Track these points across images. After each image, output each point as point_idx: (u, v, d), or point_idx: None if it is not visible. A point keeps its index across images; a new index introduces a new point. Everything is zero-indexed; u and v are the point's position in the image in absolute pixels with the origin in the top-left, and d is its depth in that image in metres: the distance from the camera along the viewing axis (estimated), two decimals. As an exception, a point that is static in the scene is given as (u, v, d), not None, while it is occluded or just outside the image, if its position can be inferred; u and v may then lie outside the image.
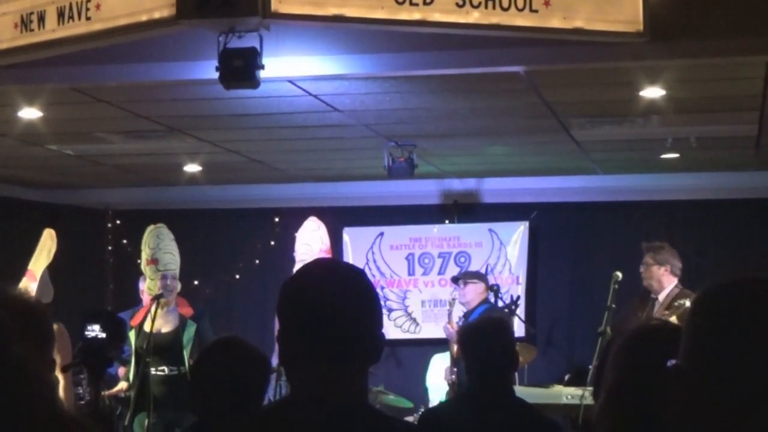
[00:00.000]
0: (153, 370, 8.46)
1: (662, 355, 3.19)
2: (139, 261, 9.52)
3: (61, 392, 7.92)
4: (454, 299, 10.35)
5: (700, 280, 10.03)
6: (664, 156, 10.72)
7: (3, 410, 2.04)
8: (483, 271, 11.34)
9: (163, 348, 8.55)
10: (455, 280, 10.35)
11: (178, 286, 8.91)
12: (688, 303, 8.63)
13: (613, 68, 6.99)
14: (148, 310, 8.65)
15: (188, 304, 8.98)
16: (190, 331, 8.64)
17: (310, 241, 9.76)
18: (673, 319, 8.71)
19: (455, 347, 9.86)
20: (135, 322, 8.72)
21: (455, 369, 9.80)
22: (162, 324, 8.70)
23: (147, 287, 8.96)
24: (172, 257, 8.92)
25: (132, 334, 8.55)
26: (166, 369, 8.52)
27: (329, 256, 9.67)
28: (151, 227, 9.27)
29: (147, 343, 8.39)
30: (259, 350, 4.28)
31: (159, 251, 8.91)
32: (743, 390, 1.66)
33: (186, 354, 8.52)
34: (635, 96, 7.82)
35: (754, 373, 1.66)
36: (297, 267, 8.99)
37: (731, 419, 1.67)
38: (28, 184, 12.65)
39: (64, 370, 7.88)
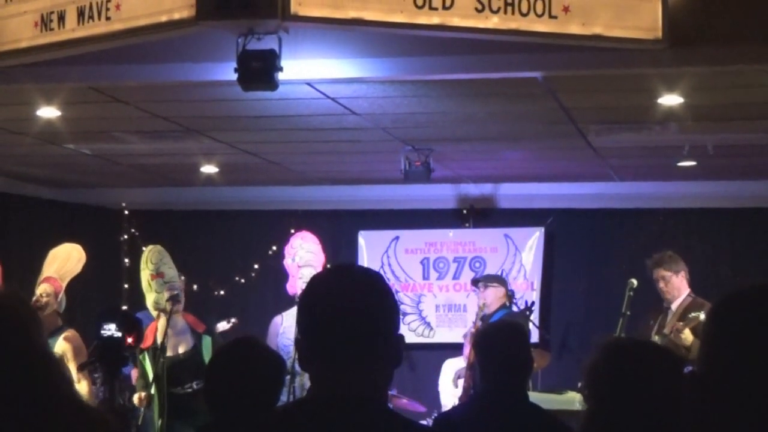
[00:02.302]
0: (179, 389, 8.38)
1: (639, 373, 3.21)
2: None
3: (83, 390, 7.96)
4: (484, 304, 10.28)
5: (716, 289, 10.07)
6: (681, 163, 10.70)
7: (31, 400, 2.06)
8: (502, 276, 11.33)
9: (185, 368, 8.45)
10: (475, 282, 10.34)
11: (183, 301, 8.83)
12: (702, 316, 8.61)
13: (631, 75, 6.99)
14: (156, 329, 8.59)
15: (197, 318, 8.91)
16: (207, 344, 8.56)
17: (313, 250, 9.74)
18: (687, 331, 8.70)
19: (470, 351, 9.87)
20: (145, 344, 8.53)
21: (470, 373, 9.79)
22: (177, 344, 8.58)
23: (154, 301, 8.83)
24: (175, 272, 8.89)
25: (145, 357, 8.47)
26: (194, 385, 8.41)
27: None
28: (150, 247, 9.21)
29: (161, 364, 8.30)
30: (274, 351, 4.30)
31: (163, 266, 8.87)
32: (759, 396, 1.66)
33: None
34: (653, 103, 7.81)
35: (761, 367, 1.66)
36: (304, 272, 9.09)
37: (747, 425, 1.67)
38: (45, 183, 12.69)
39: (80, 368, 7.92)
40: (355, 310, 2.56)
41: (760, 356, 1.68)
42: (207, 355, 8.34)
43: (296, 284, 9.23)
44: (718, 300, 1.84)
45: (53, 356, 2.37)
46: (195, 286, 8.98)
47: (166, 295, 8.63)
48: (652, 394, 3.13)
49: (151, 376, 8.35)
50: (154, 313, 8.66)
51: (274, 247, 10.02)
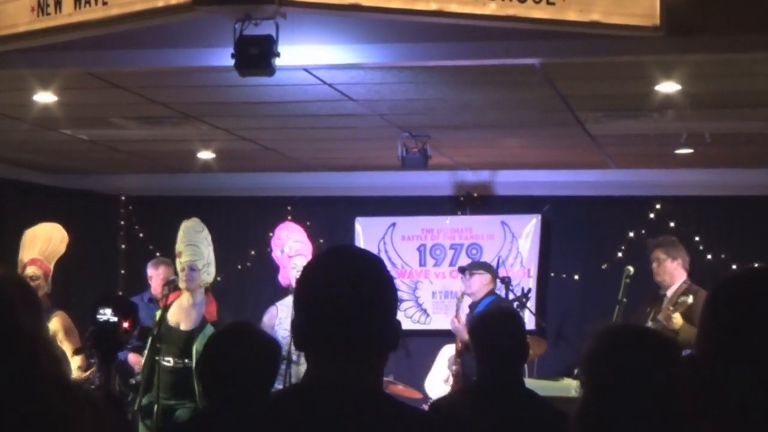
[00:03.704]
0: (158, 358, 8.46)
1: (635, 360, 3.21)
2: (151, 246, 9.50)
3: (80, 373, 7.96)
4: (463, 293, 10.34)
5: (712, 277, 10.08)
6: (678, 151, 10.70)
7: (13, 381, 2.05)
8: (494, 263, 11.32)
9: (176, 342, 8.53)
10: (462, 270, 10.35)
11: (200, 279, 8.82)
12: (690, 299, 8.64)
13: (629, 62, 6.99)
14: (177, 296, 8.70)
15: (215, 306, 8.93)
16: (206, 334, 8.59)
17: (300, 239, 9.74)
18: (677, 315, 8.72)
19: (459, 341, 9.90)
20: (164, 303, 8.71)
21: (459, 360, 9.83)
22: (182, 318, 8.63)
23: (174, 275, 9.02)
24: (195, 248, 8.88)
25: (158, 314, 8.59)
26: (172, 361, 8.50)
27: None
28: (183, 222, 9.25)
29: (158, 331, 8.39)
30: (269, 336, 4.30)
31: (182, 245, 8.91)
32: (755, 380, 1.66)
33: (194, 352, 8.48)
34: (650, 90, 7.81)
35: (759, 353, 1.67)
36: (297, 262, 9.09)
37: (745, 406, 1.67)
38: (42, 169, 12.68)
39: (76, 353, 7.93)
40: (353, 295, 2.54)
41: (756, 340, 1.68)
42: (200, 341, 8.37)
43: (289, 275, 9.22)
44: (714, 284, 1.84)
45: (42, 337, 2.35)
46: (200, 278, 8.94)
47: (179, 276, 8.71)
48: (649, 381, 3.13)
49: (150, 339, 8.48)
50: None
51: (271, 234, 10.01)
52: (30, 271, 8.44)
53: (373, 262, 2.67)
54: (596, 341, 3.34)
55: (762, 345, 1.68)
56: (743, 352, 1.69)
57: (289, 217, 12.25)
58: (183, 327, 8.59)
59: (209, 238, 8.95)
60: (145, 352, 8.59)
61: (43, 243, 8.76)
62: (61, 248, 8.79)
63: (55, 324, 8.08)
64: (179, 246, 8.83)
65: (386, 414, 2.57)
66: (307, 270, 2.67)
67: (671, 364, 3.08)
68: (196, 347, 8.35)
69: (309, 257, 8.96)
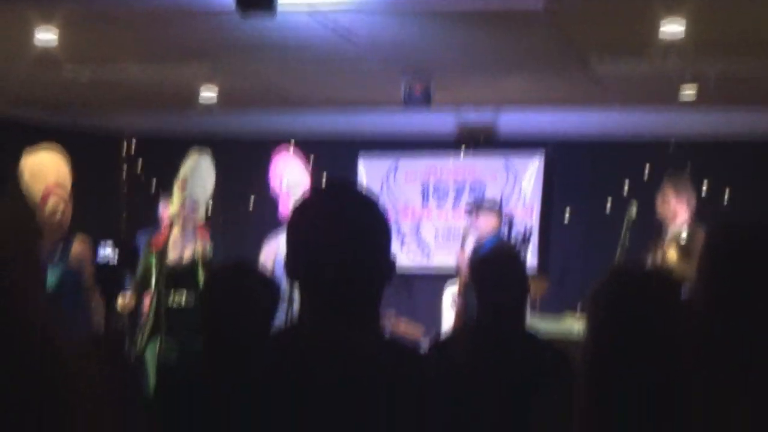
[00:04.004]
0: (171, 300, 8.44)
1: (633, 302, 3.21)
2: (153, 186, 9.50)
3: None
4: (468, 230, 10.33)
5: (714, 219, 10.07)
6: (683, 93, 10.65)
7: None
8: (497, 202, 11.33)
9: (182, 277, 8.51)
10: (470, 208, 10.35)
11: (198, 216, 8.83)
12: (684, 234, 8.64)
13: (634, 1, 6.93)
14: (168, 236, 8.64)
15: (208, 234, 8.94)
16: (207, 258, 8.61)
17: (299, 170, 9.68)
18: (672, 250, 8.71)
19: (463, 276, 9.90)
20: (156, 245, 8.65)
21: (462, 297, 9.83)
22: (182, 252, 8.65)
23: (171, 208, 8.91)
24: (202, 186, 8.84)
25: (153, 259, 8.52)
26: (183, 300, 8.48)
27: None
28: (194, 152, 9.19)
29: (160, 271, 8.37)
30: (269, 278, 4.29)
31: (190, 177, 8.84)
32: (749, 326, 1.66)
33: (199, 282, 8.46)
34: (656, 31, 7.75)
35: (759, 306, 1.66)
36: (297, 192, 9.05)
37: (740, 348, 1.67)
38: (43, 108, 12.64)
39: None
40: (348, 231, 2.53)
41: (750, 288, 1.68)
42: (202, 269, 8.41)
43: (290, 206, 9.16)
44: (714, 232, 1.83)
45: (20, 286, 2.26)
46: (199, 215, 8.93)
47: (178, 208, 8.64)
48: (653, 323, 3.12)
49: (154, 280, 8.42)
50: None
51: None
52: (53, 202, 8.33)
53: (367, 197, 2.65)
54: (601, 282, 3.33)
55: (752, 291, 1.67)
56: (745, 306, 1.69)
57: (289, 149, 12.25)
58: (184, 261, 8.59)
59: (214, 176, 8.92)
60: (153, 297, 8.52)
61: (53, 172, 8.72)
62: (69, 173, 8.79)
63: (79, 248, 7.98)
64: (189, 178, 8.72)
65: (382, 352, 2.57)
66: (301, 204, 2.64)
67: (675, 306, 3.07)
68: (199, 281, 8.36)
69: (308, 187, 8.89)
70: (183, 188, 8.69)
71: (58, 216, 8.07)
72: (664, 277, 3.61)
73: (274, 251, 9.11)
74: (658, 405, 2.83)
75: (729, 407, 1.68)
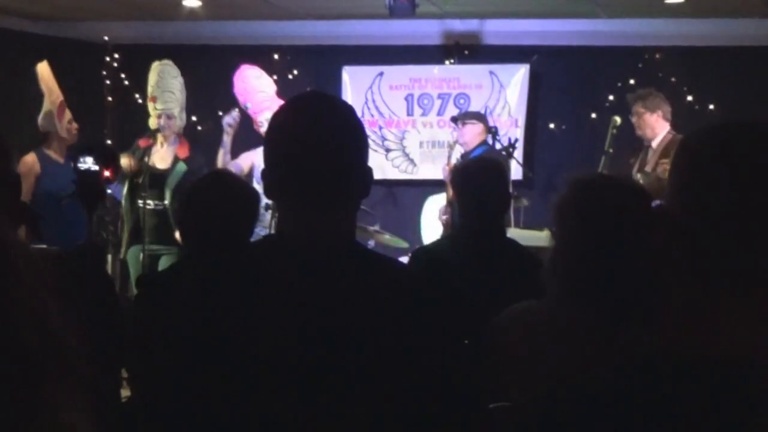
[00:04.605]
0: (142, 202, 8.58)
1: (602, 209, 3.21)
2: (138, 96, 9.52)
3: None
4: (455, 142, 10.33)
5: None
6: (668, 0, 10.58)
7: None
8: (482, 112, 11.30)
9: (155, 183, 8.63)
10: (454, 120, 10.34)
11: (176, 125, 8.90)
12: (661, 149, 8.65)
13: None
14: (149, 143, 8.74)
15: (188, 147, 9.01)
16: (179, 171, 8.73)
17: (264, 87, 9.68)
18: (668, 166, 8.71)
19: (450, 189, 9.91)
20: (142, 144, 8.81)
21: (449, 209, 9.84)
22: (158, 160, 8.77)
23: (150, 122, 9.02)
24: (171, 95, 8.89)
25: (130, 158, 8.63)
26: (152, 203, 8.63)
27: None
28: (155, 63, 9.20)
29: (142, 178, 8.47)
30: (248, 185, 4.29)
31: (158, 89, 8.91)
32: (722, 228, 1.65)
33: (167, 191, 8.61)
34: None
35: (733, 211, 1.65)
36: (261, 117, 9.04)
37: (713, 255, 1.66)
38: (23, 15, 12.50)
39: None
40: (324, 142, 2.51)
41: (726, 191, 1.66)
42: (172, 179, 8.54)
43: (260, 131, 9.18)
44: (690, 134, 1.81)
45: None
46: (177, 124, 8.95)
47: (155, 122, 8.76)
48: (617, 230, 3.13)
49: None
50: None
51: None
52: (68, 112, 8.78)
53: (343, 107, 2.63)
54: (567, 191, 3.34)
55: (730, 197, 1.66)
56: (711, 203, 1.67)
57: (275, 59, 12.20)
58: (160, 166, 8.72)
59: (183, 82, 8.98)
60: (123, 198, 8.72)
61: (53, 83, 8.92)
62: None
63: None
64: (154, 90, 8.85)
65: (358, 264, 2.56)
66: (276, 117, 2.62)
67: (640, 213, 3.08)
68: (168, 186, 8.51)
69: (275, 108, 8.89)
70: (154, 102, 8.81)
71: (73, 123, 8.98)
72: (629, 183, 3.63)
73: (251, 160, 9.17)
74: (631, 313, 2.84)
75: (705, 305, 1.67)
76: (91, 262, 3.89)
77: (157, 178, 8.66)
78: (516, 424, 1.85)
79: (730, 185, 1.65)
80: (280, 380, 2.40)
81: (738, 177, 1.65)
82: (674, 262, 1.73)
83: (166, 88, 8.90)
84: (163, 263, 8.41)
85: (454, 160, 10.21)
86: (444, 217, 10.03)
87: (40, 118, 8.97)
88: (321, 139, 2.51)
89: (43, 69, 9.07)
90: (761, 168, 1.65)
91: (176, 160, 8.79)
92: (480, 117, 10.36)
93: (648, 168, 8.91)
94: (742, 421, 1.55)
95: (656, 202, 1.80)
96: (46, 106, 8.95)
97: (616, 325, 2.89)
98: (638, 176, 8.83)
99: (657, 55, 12.12)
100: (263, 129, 8.76)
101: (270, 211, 8.04)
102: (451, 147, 10.43)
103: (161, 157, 8.82)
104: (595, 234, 3.18)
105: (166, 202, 8.62)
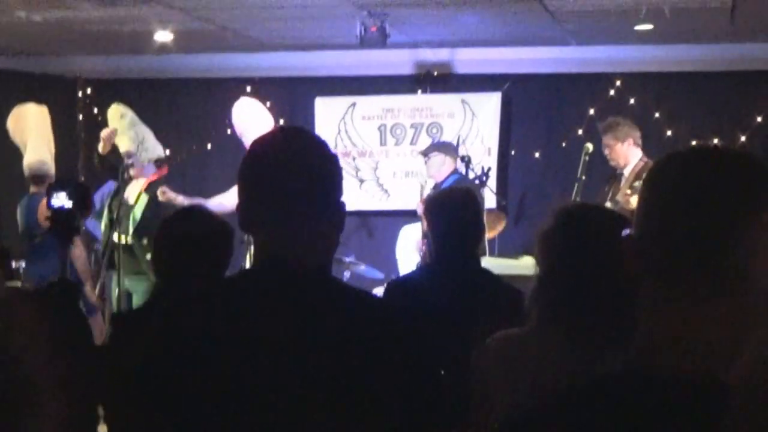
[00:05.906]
0: (119, 238, 8.61)
1: (587, 238, 3.24)
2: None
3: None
4: (426, 180, 10.38)
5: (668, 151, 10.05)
6: (638, 27, 10.65)
7: None
8: (455, 142, 11.34)
9: (125, 217, 8.72)
10: (424, 153, 10.37)
11: (142, 159, 8.98)
12: (636, 182, 8.68)
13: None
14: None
15: (163, 174, 9.08)
16: (141, 203, 8.82)
17: (252, 119, 9.73)
18: (635, 198, 8.75)
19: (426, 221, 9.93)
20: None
21: (425, 240, 9.86)
22: (130, 194, 8.83)
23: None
24: (123, 138, 9.02)
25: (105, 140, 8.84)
26: (124, 237, 8.69)
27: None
28: (112, 106, 9.32)
29: (118, 213, 8.51)
30: (222, 219, 4.29)
31: (117, 137, 9.03)
32: (690, 255, 1.67)
33: (131, 224, 8.68)
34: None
35: (699, 238, 1.67)
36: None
37: (681, 284, 1.69)
38: (-3, 52, 12.51)
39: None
40: (300, 173, 2.53)
41: (687, 218, 1.69)
42: (137, 211, 8.62)
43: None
44: (654, 162, 1.84)
45: None
46: (142, 159, 9.00)
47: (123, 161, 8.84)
48: (602, 258, 3.15)
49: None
50: None
51: (231, 115, 9.99)
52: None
53: (317, 141, 2.66)
54: (550, 220, 3.37)
55: (691, 223, 1.68)
56: (673, 231, 1.70)
57: (248, 92, 12.21)
58: (131, 202, 8.80)
59: (134, 117, 9.08)
60: (102, 230, 8.78)
61: (44, 126, 9.03)
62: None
63: None
64: (115, 140, 9.01)
65: (332, 297, 2.57)
66: (252, 149, 2.64)
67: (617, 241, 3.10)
68: (132, 220, 8.59)
69: None
70: (118, 145, 8.98)
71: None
72: (609, 212, 3.66)
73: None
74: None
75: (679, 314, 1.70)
76: (64, 299, 3.88)
77: (128, 212, 8.73)
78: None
79: (689, 211, 1.68)
80: (253, 413, 2.41)
81: (698, 202, 1.68)
82: (644, 288, 1.75)
83: (119, 132, 9.03)
84: (136, 296, 8.44)
85: (425, 193, 10.24)
86: (422, 249, 10.05)
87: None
88: (294, 173, 2.53)
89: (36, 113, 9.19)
90: (721, 193, 1.68)
91: (140, 192, 8.89)
92: (441, 147, 10.39)
93: (619, 197, 8.95)
94: None
95: (626, 231, 1.83)
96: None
97: (601, 349, 2.91)
98: (609, 204, 8.85)
99: (627, 81, 12.20)
100: None
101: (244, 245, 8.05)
102: (423, 184, 10.49)
103: (132, 191, 8.89)
104: (581, 262, 3.20)
105: (129, 236, 8.67)
